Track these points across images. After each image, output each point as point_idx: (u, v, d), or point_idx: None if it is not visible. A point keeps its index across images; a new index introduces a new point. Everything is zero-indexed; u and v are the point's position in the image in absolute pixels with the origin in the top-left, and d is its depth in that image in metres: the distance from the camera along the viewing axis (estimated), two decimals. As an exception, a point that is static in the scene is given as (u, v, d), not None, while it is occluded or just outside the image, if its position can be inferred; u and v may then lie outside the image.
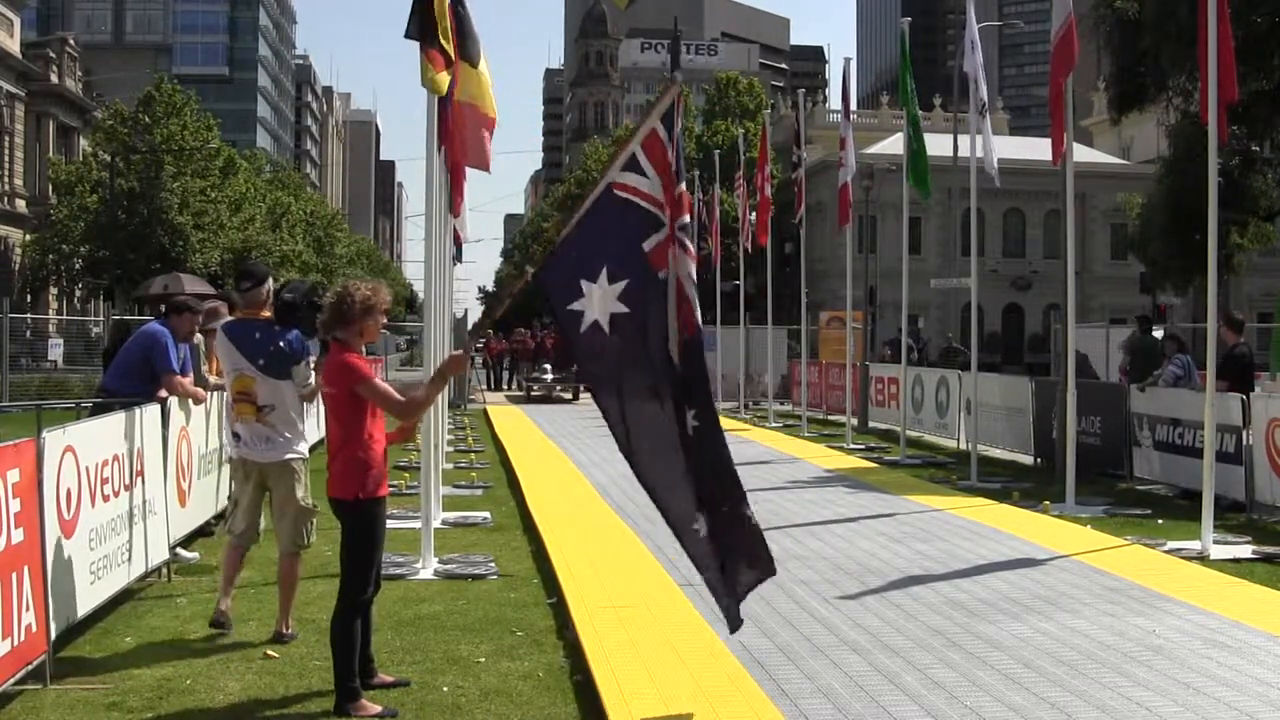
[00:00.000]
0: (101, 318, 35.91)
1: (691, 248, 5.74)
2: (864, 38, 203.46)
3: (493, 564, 9.24)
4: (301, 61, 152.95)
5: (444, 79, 9.27)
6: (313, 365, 7.32)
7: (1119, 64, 27.39)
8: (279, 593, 7.11)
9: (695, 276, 5.67)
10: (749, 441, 19.24)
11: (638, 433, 5.69)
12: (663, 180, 5.68)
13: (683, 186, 5.79)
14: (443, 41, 9.06)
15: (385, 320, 6.12)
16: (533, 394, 31.85)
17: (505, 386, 37.34)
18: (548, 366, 32.76)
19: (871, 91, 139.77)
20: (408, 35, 9.06)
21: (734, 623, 5.80)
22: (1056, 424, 14.58)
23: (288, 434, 7.18)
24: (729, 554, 5.66)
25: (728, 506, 5.64)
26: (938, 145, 39.52)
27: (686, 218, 5.75)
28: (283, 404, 7.16)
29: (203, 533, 10.06)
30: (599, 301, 5.64)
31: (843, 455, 17.86)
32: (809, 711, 5.71)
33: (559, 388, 31.32)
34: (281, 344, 7.18)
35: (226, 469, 9.40)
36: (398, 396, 5.96)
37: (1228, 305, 27.83)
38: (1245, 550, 9.99)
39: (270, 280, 7.49)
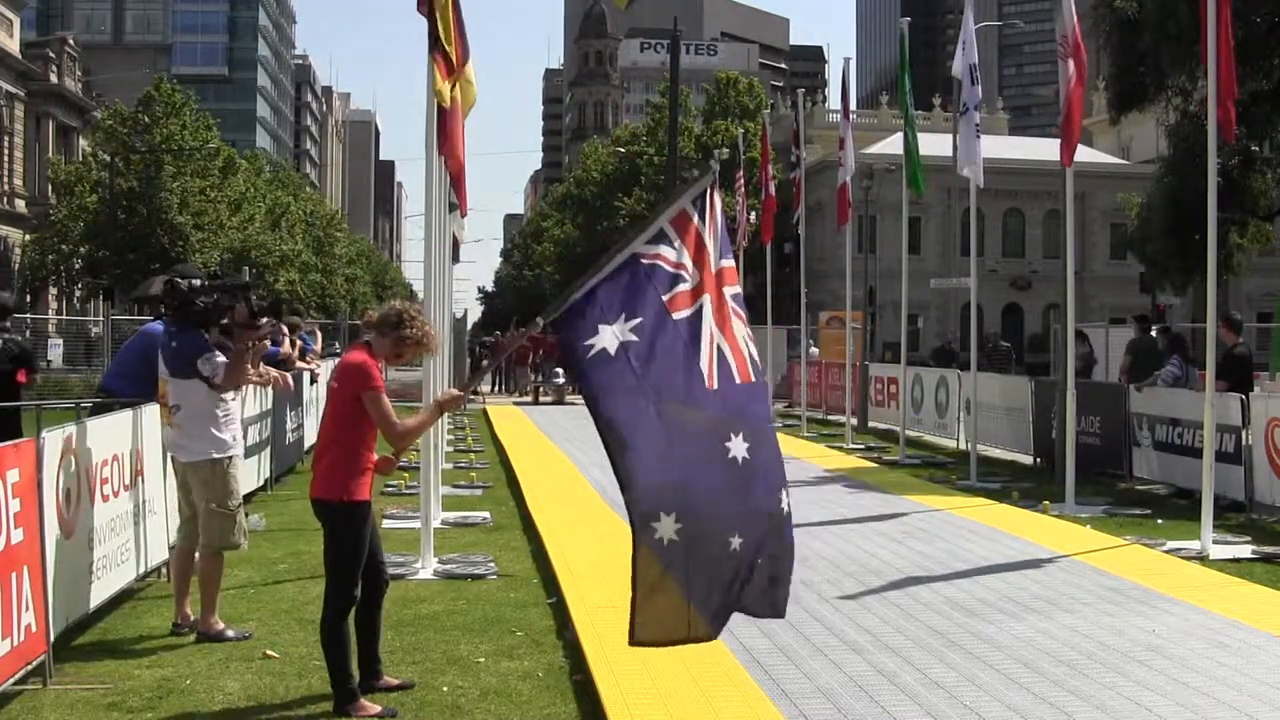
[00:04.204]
0: (101, 318, 35.86)
1: (743, 314, 5.87)
2: (864, 38, 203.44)
3: (492, 564, 9.24)
4: (301, 61, 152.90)
5: (448, 88, 9.27)
6: (215, 356, 7.13)
7: (1119, 64, 27.35)
8: (198, 587, 7.19)
9: (743, 338, 5.79)
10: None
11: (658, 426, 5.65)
12: (690, 247, 5.82)
13: (729, 263, 5.89)
14: (445, 45, 9.06)
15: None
16: (541, 399, 31.00)
17: (504, 389, 36.47)
18: (559, 370, 31.11)
19: (871, 91, 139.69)
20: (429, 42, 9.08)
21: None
22: (1056, 424, 14.58)
23: (197, 434, 7.16)
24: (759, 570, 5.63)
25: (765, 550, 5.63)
26: (938, 145, 39.63)
27: (738, 288, 5.87)
28: (189, 404, 7.17)
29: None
30: (610, 335, 5.70)
31: (842, 455, 17.86)
32: (809, 711, 5.71)
33: (571, 390, 30.40)
34: (175, 344, 7.21)
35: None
36: (395, 420, 5.88)
37: (1227, 305, 27.82)
38: (1245, 550, 10.00)
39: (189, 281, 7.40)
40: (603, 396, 5.64)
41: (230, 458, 7.26)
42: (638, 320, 5.69)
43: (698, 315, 5.75)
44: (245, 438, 11.42)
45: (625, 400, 5.58)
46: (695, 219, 5.87)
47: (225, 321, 7.28)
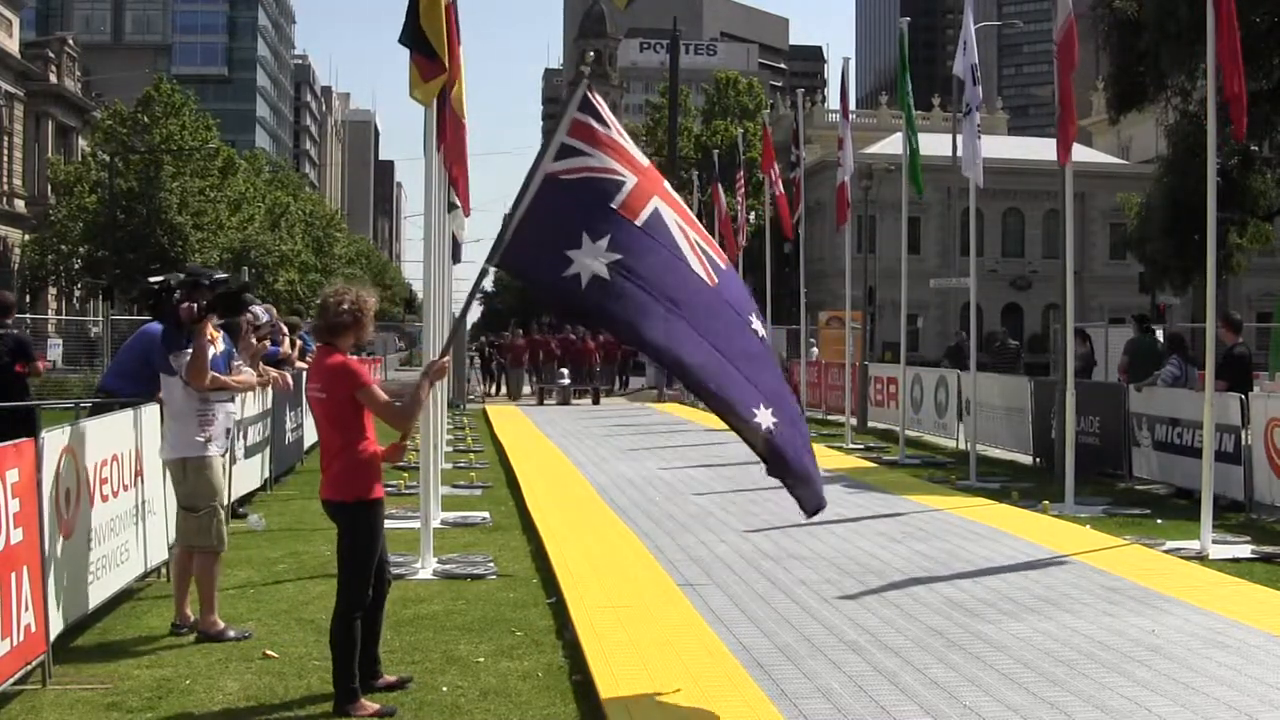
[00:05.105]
0: (101, 318, 35.88)
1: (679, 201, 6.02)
2: (863, 38, 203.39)
3: (492, 564, 9.24)
4: (300, 61, 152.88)
5: (431, 88, 9.24)
6: (184, 354, 7.11)
7: (1118, 64, 27.40)
8: (195, 587, 7.20)
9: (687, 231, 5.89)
10: (748, 441, 19.18)
11: (693, 322, 5.67)
12: (610, 152, 5.82)
13: (647, 161, 6.01)
14: (434, 46, 9.03)
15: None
16: (545, 402, 30.66)
17: (499, 390, 35.97)
18: (564, 371, 31.14)
19: (870, 91, 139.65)
20: (401, 41, 9.06)
21: (813, 504, 5.84)
22: (1056, 424, 14.58)
23: (174, 432, 7.24)
24: (795, 450, 5.73)
25: (789, 411, 5.76)
26: (938, 145, 39.64)
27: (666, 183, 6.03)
28: (170, 401, 7.28)
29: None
30: (589, 257, 5.65)
31: (842, 455, 17.85)
32: (809, 712, 5.71)
33: (576, 393, 30.44)
34: (161, 340, 7.31)
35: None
36: (395, 405, 5.93)
37: (1226, 305, 27.81)
38: (1244, 550, 9.99)
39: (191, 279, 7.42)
40: (622, 320, 5.68)
41: (204, 458, 7.16)
42: (607, 237, 5.68)
43: (657, 218, 5.77)
44: (244, 437, 11.44)
45: (650, 320, 5.63)
46: (594, 123, 5.85)
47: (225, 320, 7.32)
